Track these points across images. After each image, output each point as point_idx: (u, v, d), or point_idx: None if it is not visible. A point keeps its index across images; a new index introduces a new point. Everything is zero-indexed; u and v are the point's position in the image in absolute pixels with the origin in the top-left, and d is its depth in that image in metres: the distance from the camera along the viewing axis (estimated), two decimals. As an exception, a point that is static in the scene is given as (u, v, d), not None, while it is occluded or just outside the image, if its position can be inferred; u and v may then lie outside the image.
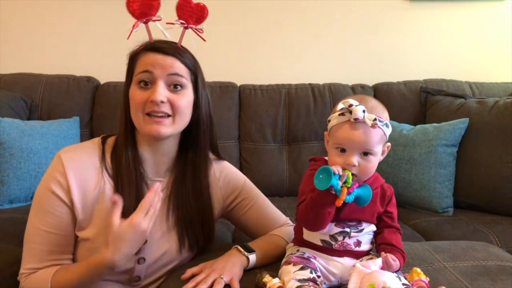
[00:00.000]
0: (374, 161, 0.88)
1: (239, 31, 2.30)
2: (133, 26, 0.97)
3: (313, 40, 2.31)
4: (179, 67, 0.95)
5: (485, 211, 1.72)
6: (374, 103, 0.90)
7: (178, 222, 1.04)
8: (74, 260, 0.99)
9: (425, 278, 0.87)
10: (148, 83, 0.94)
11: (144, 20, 0.97)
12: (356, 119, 0.83)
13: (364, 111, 0.83)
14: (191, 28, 1.00)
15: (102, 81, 2.13)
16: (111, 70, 2.20)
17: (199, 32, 1.01)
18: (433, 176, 1.73)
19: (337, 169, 0.80)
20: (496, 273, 0.98)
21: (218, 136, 1.12)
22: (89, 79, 2.11)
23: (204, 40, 1.01)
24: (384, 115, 0.89)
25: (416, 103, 2.06)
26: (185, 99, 0.97)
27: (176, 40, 1.01)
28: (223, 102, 2.04)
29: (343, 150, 0.87)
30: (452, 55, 2.33)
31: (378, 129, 0.85)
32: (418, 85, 2.11)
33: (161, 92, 0.93)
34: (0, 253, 1.24)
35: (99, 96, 2.07)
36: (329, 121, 0.90)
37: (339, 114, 0.87)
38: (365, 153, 0.86)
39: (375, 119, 0.83)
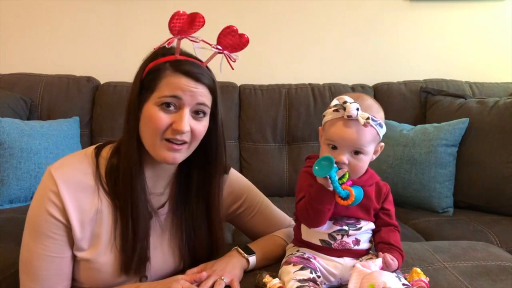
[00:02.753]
0: (365, 160, 0.88)
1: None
2: (169, 42, 0.88)
3: (313, 40, 2.31)
4: (207, 96, 0.91)
5: (485, 211, 1.72)
6: (370, 102, 0.90)
7: (181, 239, 1.00)
8: (74, 278, 0.94)
9: (425, 278, 0.87)
10: (171, 106, 0.87)
11: (180, 37, 0.89)
12: (349, 116, 0.83)
13: (358, 109, 0.83)
14: (224, 53, 0.94)
15: (102, 81, 2.13)
16: (111, 70, 2.21)
17: (231, 60, 0.95)
18: (433, 176, 1.73)
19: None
20: (496, 273, 0.98)
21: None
22: (89, 79, 2.11)
23: (233, 69, 0.96)
24: (379, 114, 0.89)
25: (416, 103, 2.06)
26: (204, 126, 0.93)
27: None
28: (223, 102, 2.00)
29: (334, 148, 0.87)
30: (452, 55, 2.33)
31: (371, 128, 0.85)
32: (418, 85, 2.11)
33: (187, 122, 0.87)
34: (0, 253, 1.24)
35: (99, 96, 2.07)
36: (324, 116, 0.91)
37: (333, 110, 0.87)
38: (356, 152, 0.86)
39: (368, 118, 0.82)
